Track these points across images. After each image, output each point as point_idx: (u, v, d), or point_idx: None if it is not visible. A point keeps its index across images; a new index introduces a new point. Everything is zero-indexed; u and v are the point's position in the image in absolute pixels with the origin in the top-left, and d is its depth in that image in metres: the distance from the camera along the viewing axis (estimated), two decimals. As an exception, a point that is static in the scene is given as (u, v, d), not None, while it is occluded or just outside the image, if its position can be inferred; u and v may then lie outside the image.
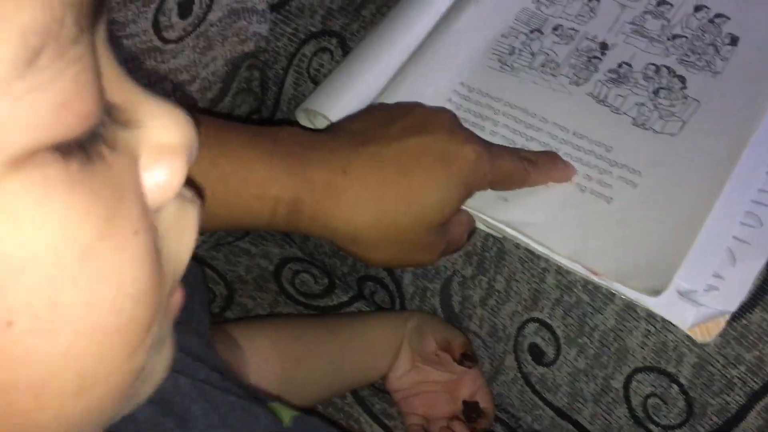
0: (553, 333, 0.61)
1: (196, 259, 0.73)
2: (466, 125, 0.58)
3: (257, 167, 0.50)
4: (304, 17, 0.73)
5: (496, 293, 0.63)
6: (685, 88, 0.60)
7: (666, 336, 0.56)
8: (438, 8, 0.66)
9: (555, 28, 0.64)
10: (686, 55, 0.61)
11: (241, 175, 0.50)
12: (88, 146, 0.22)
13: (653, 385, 0.58)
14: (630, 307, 0.57)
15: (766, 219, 0.55)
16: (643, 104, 0.60)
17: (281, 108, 0.74)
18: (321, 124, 0.62)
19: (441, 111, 0.58)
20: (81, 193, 0.21)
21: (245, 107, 0.77)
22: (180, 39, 0.67)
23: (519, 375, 0.65)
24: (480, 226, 0.60)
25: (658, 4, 0.63)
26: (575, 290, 0.59)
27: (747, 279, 0.54)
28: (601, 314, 0.59)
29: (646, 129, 0.59)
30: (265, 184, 0.50)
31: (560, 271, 0.60)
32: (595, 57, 0.63)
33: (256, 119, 0.78)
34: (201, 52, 0.70)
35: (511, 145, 0.60)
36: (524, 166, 0.56)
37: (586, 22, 0.64)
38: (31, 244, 0.21)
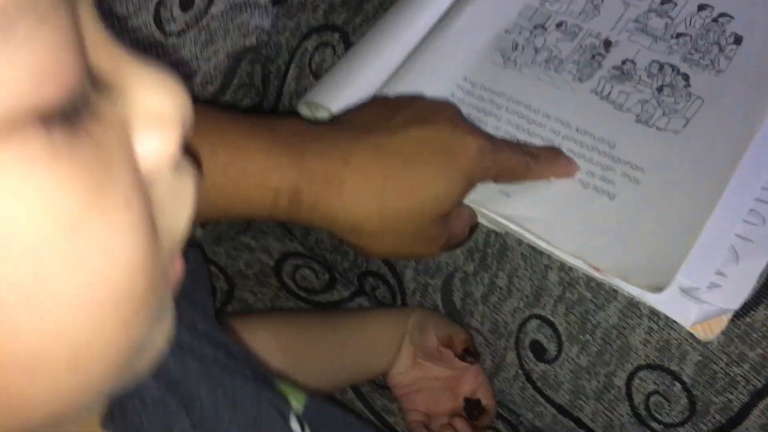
0: (555, 330, 0.61)
1: (197, 246, 0.73)
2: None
3: (257, 157, 0.50)
4: (306, 11, 0.72)
5: (498, 290, 0.63)
6: (688, 86, 0.60)
7: (669, 334, 0.56)
8: (441, 3, 0.66)
9: (558, 25, 0.64)
10: (690, 53, 0.61)
11: (241, 165, 0.50)
12: (72, 115, 0.21)
13: (656, 383, 0.58)
14: (633, 304, 0.57)
15: (769, 217, 0.55)
16: (646, 101, 0.59)
17: (283, 103, 0.74)
18: (323, 116, 0.62)
19: (443, 103, 0.58)
20: (66, 164, 0.21)
21: (247, 102, 0.76)
22: (181, 32, 0.67)
23: (520, 372, 0.65)
24: (482, 221, 0.60)
25: (662, 3, 0.63)
26: (578, 287, 0.59)
27: (750, 277, 0.54)
28: (604, 311, 0.59)
29: (650, 126, 0.58)
30: (265, 174, 0.50)
31: (563, 267, 0.59)
32: (599, 54, 0.62)
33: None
34: (202, 45, 0.69)
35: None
36: (526, 160, 0.56)
37: (589, 19, 0.64)
38: (15, 218, 0.20)
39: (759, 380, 0.54)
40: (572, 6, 0.65)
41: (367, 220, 0.51)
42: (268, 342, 0.61)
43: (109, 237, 0.22)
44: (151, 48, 0.65)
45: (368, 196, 0.51)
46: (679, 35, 0.62)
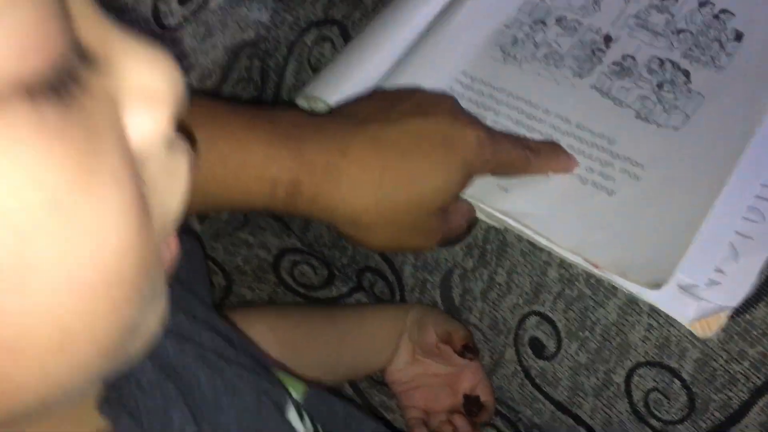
0: (555, 327, 0.61)
1: (196, 238, 0.73)
2: None
3: (256, 148, 0.50)
4: (305, 5, 0.72)
5: (497, 286, 0.63)
6: (689, 82, 0.59)
7: (669, 331, 0.56)
8: (440, -3, 0.66)
9: (559, 20, 0.64)
10: (690, 49, 0.61)
11: (240, 156, 0.49)
12: (59, 88, 0.20)
13: (655, 380, 0.58)
14: (632, 301, 0.57)
15: (768, 214, 0.55)
16: (646, 97, 0.59)
17: (281, 97, 0.74)
18: (321, 110, 0.61)
19: (442, 95, 0.57)
20: (53, 139, 0.20)
21: (245, 96, 0.76)
22: (179, 26, 0.67)
23: (519, 368, 0.65)
24: (481, 216, 0.59)
25: (663, -2, 0.63)
26: (577, 284, 0.59)
27: (749, 274, 0.54)
28: (603, 308, 0.58)
29: (650, 122, 0.58)
30: (263, 165, 0.50)
31: (563, 264, 0.59)
32: (599, 49, 0.62)
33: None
34: (201, 39, 0.69)
35: None
36: (526, 154, 0.56)
37: (590, 14, 0.64)
38: None
39: (759, 378, 0.54)
40: (572, 1, 0.64)
41: (365, 211, 0.51)
42: (265, 335, 0.61)
43: (98, 216, 0.22)
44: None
45: (367, 187, 0.51)
46: (679, 31, 0.61)
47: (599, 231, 0.55)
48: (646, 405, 0.59)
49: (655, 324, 0.57)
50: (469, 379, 0.67)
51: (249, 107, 0.54)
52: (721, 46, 0.60)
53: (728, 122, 0.57)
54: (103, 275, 0.22)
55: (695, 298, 0.54)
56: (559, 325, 0.61)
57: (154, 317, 0.27)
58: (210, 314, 0.46)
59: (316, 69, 0.70)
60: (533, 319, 0.62)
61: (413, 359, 0.68)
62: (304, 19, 0.72)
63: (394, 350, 0.68)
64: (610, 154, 0.57)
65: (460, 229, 0.58)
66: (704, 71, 0.59)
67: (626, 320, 0.58)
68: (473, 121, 0.54)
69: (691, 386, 0.56)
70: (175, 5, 0.65)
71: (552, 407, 0.64)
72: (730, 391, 0.55)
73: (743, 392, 0.55)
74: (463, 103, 0.60)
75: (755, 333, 0.54)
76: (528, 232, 0.56)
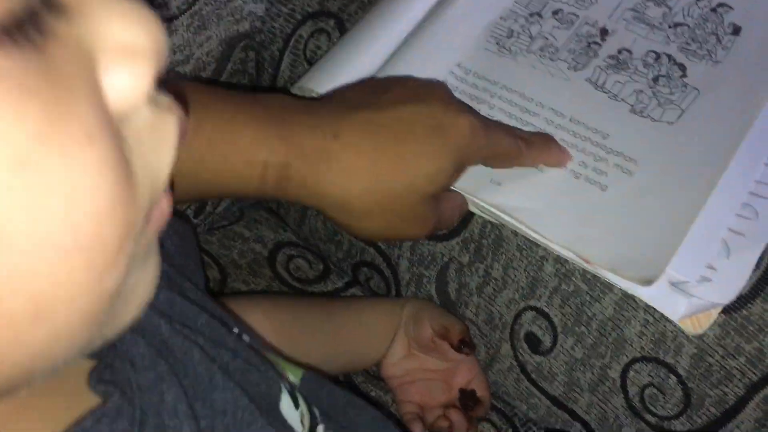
0: (551, 322, 0.61)
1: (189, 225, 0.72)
2: None
3: (245, 132, 0.49)
4: (300, -2, 0.71)
5: (493, 281, 0.63)
6: (684, 76, 0.59)
7: (665, 326, 0.56)
8: (436, -10, 0.66)
9: (555, 12, 0.64)
10: (687, 43, 0.60)
11: (229, 140, 0.49)
12: (14, 32, 0.19)
13: (651, 376, 0.57)
14: (629, 296, 0.57)
15: (762, 211, 0.55)
16: (641, 91, 0.59)
17: (277, 90, 0.73)
18: None
19: (435, 83, 0.57)
20: (9, 88, 0.19)
21: (240, 89, 0.76)
22: (173, 18, 0.66)
23: (515, 363, 0.65)
24: (474, 210, 0.59)
25: (660, -9, 0.62)
26: (573, 279, 0.59)
27: (741, 271, 0.54)
28: (600, 303, 0.58)
29: (644, 117, 0.58)
30: (253, 149, 0.49)
31: (559, 259, 0.59)
32: (595, 42, 0.62)
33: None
34: (195, 31, 0.69)
35: None
36: (518, 144, 0.55)
37: (586, 7, 0.63)
38: None
39: (755, 373, 0.54)
40: (569, -7, 0.64)
41: (358, 196, 0.50)
42: (261, 323, 0.60)
43: (69, 176, 0.20)
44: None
45: (358, 172, 0.50)
46: (676, 25, 0.61)
47: (591, 226, 0.55)
48: (642, 400, 0.59)
49: (651, 319, 0.56)
50: (465, 374, 0.67)
51: (238, 91, 0.53)
52: (718, 40, 0.60)
53: (723, 117, 0.57)
54: (78, 240, 0.21)
55: (686, 295, 0.54)
56: (555, 320, 0.60)
57: (144, 283, 0.26)
58: (203, 297, 0.45)
59: (311, 61, 0.70)
60: (529, 314, 0.62)
61: (408, 353, 0.68)
62: (299, 10, 0.71)
63: (389, 344, 0.68)
64: (604, 148, 0.57)
65: (452, 219, 0.57)
66: (700, 65, 0.59)
67: (622, 315, 0.57)
68: (466, 109, 0.54)
69: (686, 382, 0.56)
70: (169, -3, 0.65)
71: (548, 402, 0.64)
72: (726, 386, 0.55)
73: (739, 388, 0.54)
74: (458, 96, 0.59)
75: (751, 329, 0.53)
76: (520, 227, 0.56)
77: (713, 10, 0.61)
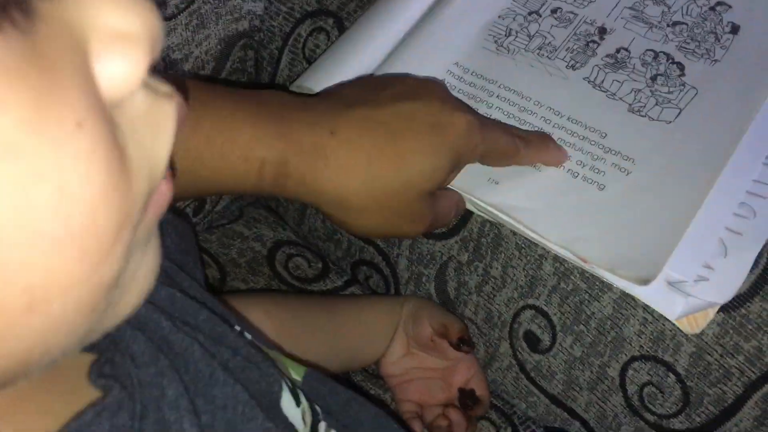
0: (550, 320, 0.61)
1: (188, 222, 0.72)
2: None
3: (243, 128, 0.49)
4: (299, -3, 0.71)
5: (492, 279, 0.63)
6: (683, 75, 0.59)
7: (663, 325, 0.56)
8: (435, -12, 0.65)
9: (554, 11, 0.64)
10: (686, 42, 0.60)
11: (227, 136, 0.49)
12: None
13: (649, 374, 0.57)
14: (627, 295, 0.57)
15: (759, 210, 0.55)
16: (639, 90, 0.59)
17: (276, 88, 0.73)
18: None
19: (432, 80, 0.57)
20: None
21: (239, 87, 0.75)
22: (172, 16, 0.66)
23: (514, 362, 0.65)
24: (471, 209, 0.59)
25: (659, -11, 0.62)
26: (572, 277, 0.59)
27: (738, 270, 0.54)
28: (598, 302, 0.58)
29: (642, 116, 0.58)
30: (251, 146, 0.49)
31: (557, 258, 0.59)
32: (593, 41, 0.62)
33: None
34: (194, 30, 0.69)
35: None
36: (516, 142, 0.55)
37: (585, 5, 0.63)
38: None
39: (753, 372, 0.54)
40: (568, -8, 0.64)
41: (355, 193, 0.50)
42: (262, 321, 0.60)
43: (58, 164, 0.20)
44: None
45: (356, 168, 0.50)
46: (675, 23, 0.61)
47: (589, 226, 0.55)
48: (641, 399, 0.59)
49: (650, 318, 0.56)
50: (464, 372, 0.67)
51: (236, 88, 0.53)
52: (717, 38, 0.60)
53: (721, 116, 0.57)
54: (70, 229, 0.20)
55: (683, 294, 0.54)
56: (554, 318, 0.61)
57: (143, 272, 0.25)
58: (203, 294, 0.45)
59: (310, 60, 0.70)
60: (528, 313, 0.62)
61: (408, 352, 0.68)
62: (298, 9, 0.71)
63: (388, 342, 0.68)
64: (602, 147, 0.57)
65: (448, 217, 0.57)
66: (699, 64, 0.59)
67: (621, 314, 0.57)
68: (463, 106, 0.54)
69: (685, 380, 0.56)
70: (167, -4, 0.65)
71: (547, 401, 0.64)
72: (725, 385, 0.55)
73: (738, 386, 0.55)
74: (456, 95, 0.59)
75: (750, 327, 0.54)
76: (518, 226, 0.56)
77: (712, 8, 0.61)
